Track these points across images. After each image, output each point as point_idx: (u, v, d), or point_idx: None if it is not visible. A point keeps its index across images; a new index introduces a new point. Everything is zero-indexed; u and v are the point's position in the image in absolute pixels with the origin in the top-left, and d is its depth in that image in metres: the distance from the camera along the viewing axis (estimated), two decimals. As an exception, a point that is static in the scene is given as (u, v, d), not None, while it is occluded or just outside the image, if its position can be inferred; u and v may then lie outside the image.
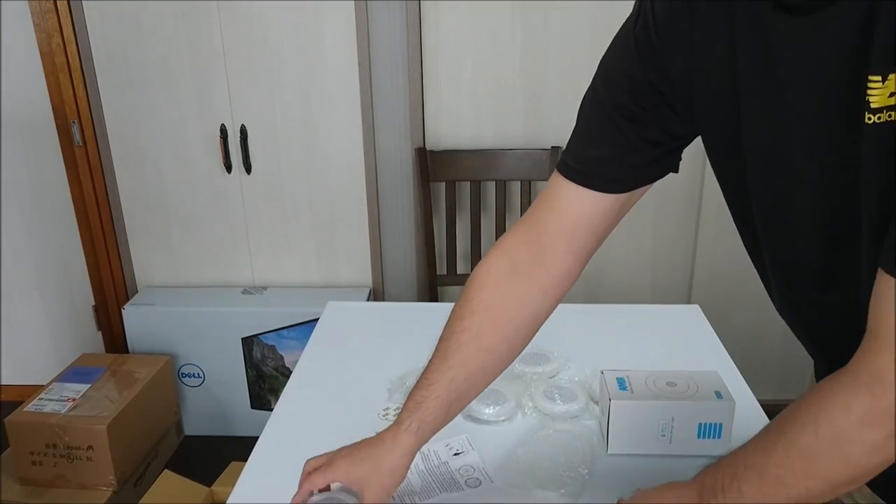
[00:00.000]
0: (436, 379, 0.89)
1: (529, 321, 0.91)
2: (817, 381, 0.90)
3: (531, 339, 0.93)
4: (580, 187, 0.85)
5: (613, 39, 0.83)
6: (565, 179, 0.87)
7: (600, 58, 0.87)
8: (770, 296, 0.82)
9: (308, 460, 0.94)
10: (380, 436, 0.91)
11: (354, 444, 0.93)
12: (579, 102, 0.88)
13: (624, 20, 0.83)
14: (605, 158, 0.84)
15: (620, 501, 0.79)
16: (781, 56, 0.65)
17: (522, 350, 0.93)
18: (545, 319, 0.93)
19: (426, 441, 0.90)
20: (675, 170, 0.87)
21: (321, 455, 0.94)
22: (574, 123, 0.89)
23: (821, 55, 0.62)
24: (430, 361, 0.91)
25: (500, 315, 0.90)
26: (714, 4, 0.71)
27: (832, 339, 0.77)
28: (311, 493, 0.92)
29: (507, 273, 0.90)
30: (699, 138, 0.84)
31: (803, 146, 0.66)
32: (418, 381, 0.91)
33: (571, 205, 0.87)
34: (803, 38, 0.63)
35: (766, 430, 0.65)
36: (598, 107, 0.84)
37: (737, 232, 0.83)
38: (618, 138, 0.82)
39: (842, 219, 0.66)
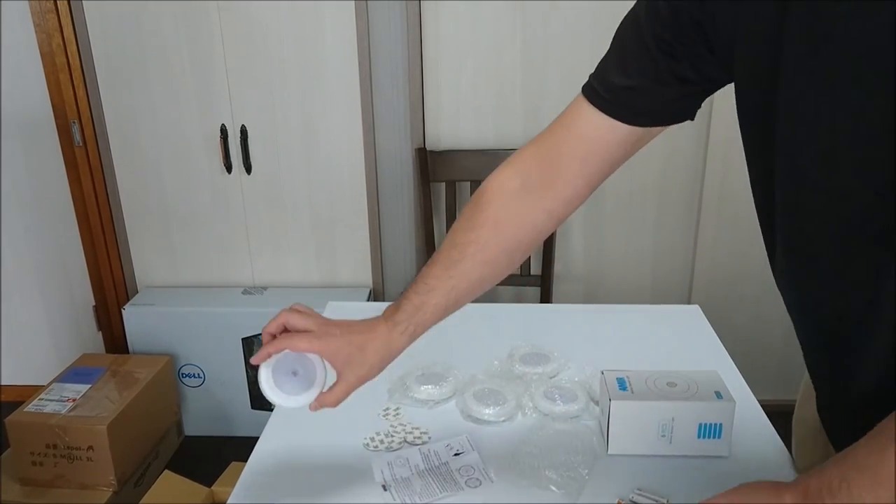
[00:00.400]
0: (436, 285, 0.91)
1: (533, 236, 0.94)
2: (809, 371, 0.89)
3: (530, 253, 0.97)
4: (603, 115, 0.86)
5: None
6: (589, 104, 0.87)
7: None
8: (772, 267, 0.81)
9: (285, 312, 0.91)
10: (374, 327, 0.91)
11: (346, 324, 0.92)
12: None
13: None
14: (634, 89, 0.83)
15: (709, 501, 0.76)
16: (834, 30, 0.62)
17: (521, 262, 0.97)
18: (547, 236, 0.97)
19: (416, 340, 0.93)
20: (692, 117, 0.87)
21: (303, 311, 0.92)
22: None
23: (883, 29, 0.59)
24: (431, 266, 0.92)
25: (506, 231, 0.93)
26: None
27: (824, 323, 0.76)
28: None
29: (516, 190, 0.93)
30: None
31: (847, 125, 0.63)
32: (416, 284, 0.92)
33: (590, 130, 0.87)
34: (863, 10, 0.60)
35: (876, 433, 0.64)
36: (636, 36, 0.82)
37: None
38: (650, 70, 0.81)
39: (869, 207, 0.64)
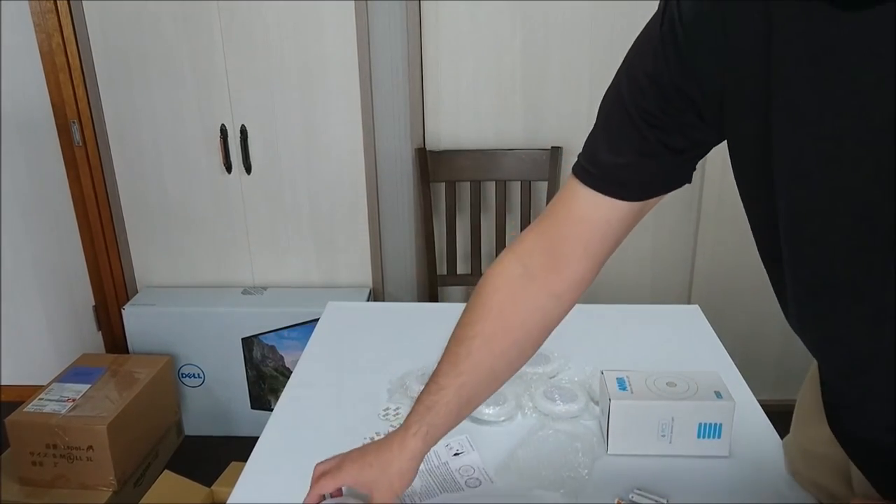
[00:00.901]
0: (446, 384, 0.88)
1: (541, 326, 0.91)
2: (824, 405, 0.87)
3: (542, 343, 0.92)
4: (598, 193, 0.83)
5: (638, 38, 0.79)
6: (582, 185, 0.84)
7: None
8: (784, 313, 0.78)
9: (317, 464, 0.95)
10: (388, 439, 0.91)
11: (363, 447, 0.93)
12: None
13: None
14: (626, 165, 0.81)
15: None
16: (829, 55, 0.60)
17: (533, 355, 0.92)
18: (557, 324, 0.92)
19: (434, 444, 0.90)
20: (689, 180, 0.85)
21: (330, 458, 0.94)
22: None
23: (879, 53, 0.57)
24: (440, 365, 0.90)
25: (512, 320, 0.89)
26: (745, 3, 0.66)
27: (846, 362, 0.74)
28: (322, 497, 0.93)
29: (520, 277, 0.90)
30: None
31: (849, 152, 0.62)
32: (427, 386, 0.90)
33: (588, 211, 0.85)
34: (857, 34, 0.58)
35: None
36: (620, 110, 0.80)
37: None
38: (639, 145, 0.79)
39: (875, 232, 0.63)
